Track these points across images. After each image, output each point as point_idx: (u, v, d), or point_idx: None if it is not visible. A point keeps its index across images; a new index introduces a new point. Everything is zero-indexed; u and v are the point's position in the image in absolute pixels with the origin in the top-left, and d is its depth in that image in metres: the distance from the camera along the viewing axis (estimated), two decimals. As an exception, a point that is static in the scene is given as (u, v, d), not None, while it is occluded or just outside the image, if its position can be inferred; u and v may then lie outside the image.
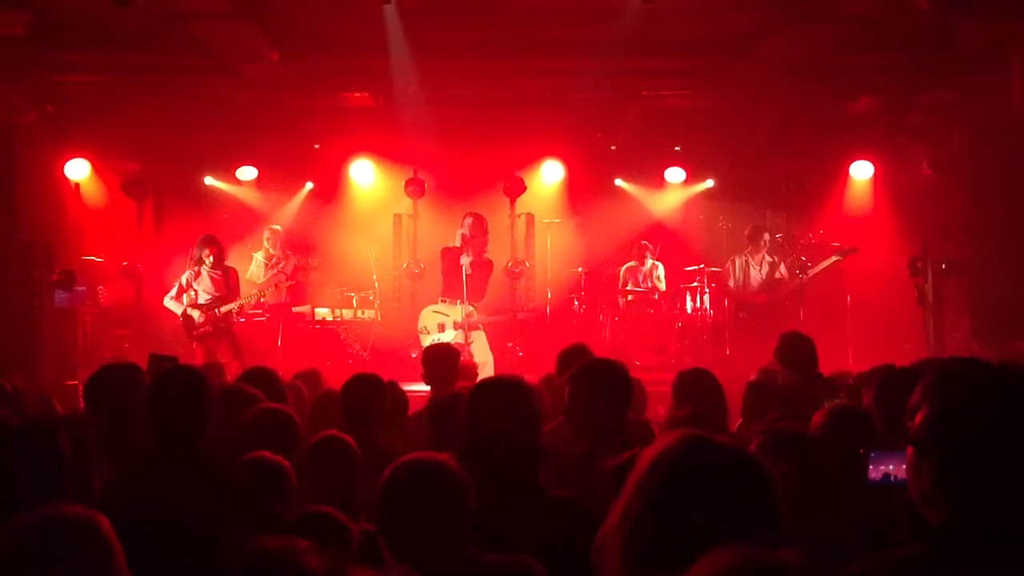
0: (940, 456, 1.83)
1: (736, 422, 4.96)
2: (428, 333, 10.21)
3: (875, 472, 2.69)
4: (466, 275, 10.01)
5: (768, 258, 11.30)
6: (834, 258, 10.91)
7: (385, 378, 6.13)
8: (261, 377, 4.73)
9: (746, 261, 11.32)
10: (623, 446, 3.01)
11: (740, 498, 1.67)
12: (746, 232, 11.47)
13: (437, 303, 10.48)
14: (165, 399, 3.52)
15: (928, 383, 1.89)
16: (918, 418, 1.88)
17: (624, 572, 1.67)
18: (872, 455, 2.71)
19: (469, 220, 10.30)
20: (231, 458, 3.38)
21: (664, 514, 1.66)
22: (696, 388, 4.55)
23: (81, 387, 9.25)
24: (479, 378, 6.11)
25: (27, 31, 8.74)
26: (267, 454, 3.15)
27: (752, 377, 5.65)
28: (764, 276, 11.25)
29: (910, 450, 1.90)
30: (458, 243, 10.23)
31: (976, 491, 1.79)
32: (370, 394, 4.50)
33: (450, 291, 10.33)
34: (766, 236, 11.39)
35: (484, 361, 9.54)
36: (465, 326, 10.10)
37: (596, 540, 1.79)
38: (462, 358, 6.64)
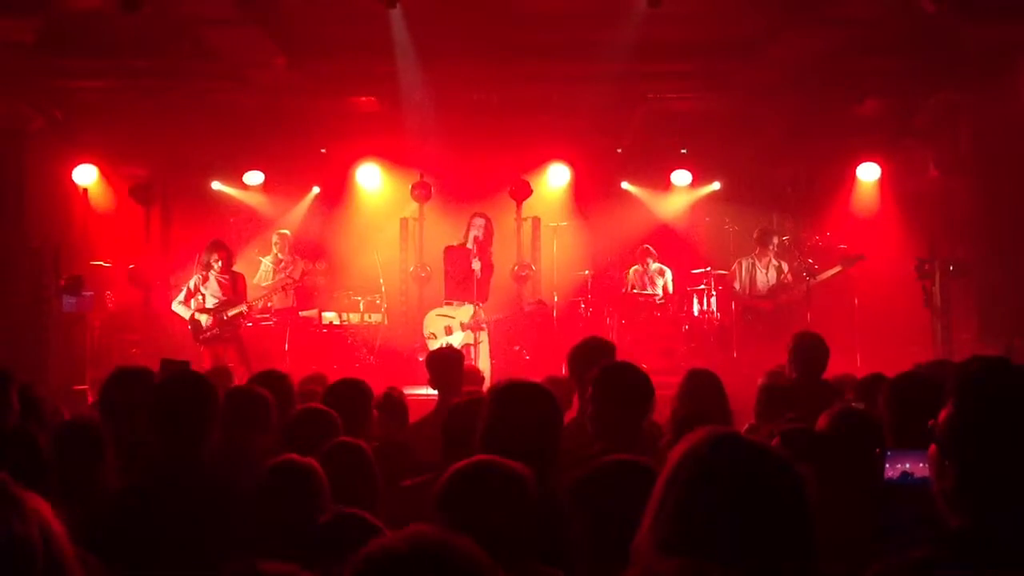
0: (963, 456, 1.82)
1: (743, 424, 4.94)
2: (435, 338, 10.10)
3: (892, 471, 2.68)
4: (476, 278, 9.99)
5: (775, 262, 11.27)
6: (839, 267, 10.88)
7: (392, 382, 6.13)
8: (273, 381, 4.72)
9: (752, 264, 11.28)
10: (635, 449, 3.03)
11: (766, 494, 1.68)
12: (755, 235, 11.43)
13: (442, 306, 10.45)
14: (168, 404, 3.50)
15: (953, 382, 1.88)
16: (941, 417, 1.87)
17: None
18: (888, 454, 2.70)
19: (481, 221, 10.25)
20: (239, 464, 3.37)
21: (689, 509, 1.67)
22: (698, 390, 4.55)
23: (89, 392, 9.30)
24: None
25: (35, 38, 8.77)
26: (296, 456, 3.11)
27: (759, 380, 5.63)
28: (770, 281, 11.22)
29: (933, 448, 1.89)
30: (469, 244, 10.17)
31: (999, 493, 1.78)
32: (355, 398, 4.48)
33: (454, 292, 10.28)
34: (775, 240, 11.36)
35: (482, 368, 9.46)
36: (472, 326, 10.06)
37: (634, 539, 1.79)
38: (466, 362, 6.62)
